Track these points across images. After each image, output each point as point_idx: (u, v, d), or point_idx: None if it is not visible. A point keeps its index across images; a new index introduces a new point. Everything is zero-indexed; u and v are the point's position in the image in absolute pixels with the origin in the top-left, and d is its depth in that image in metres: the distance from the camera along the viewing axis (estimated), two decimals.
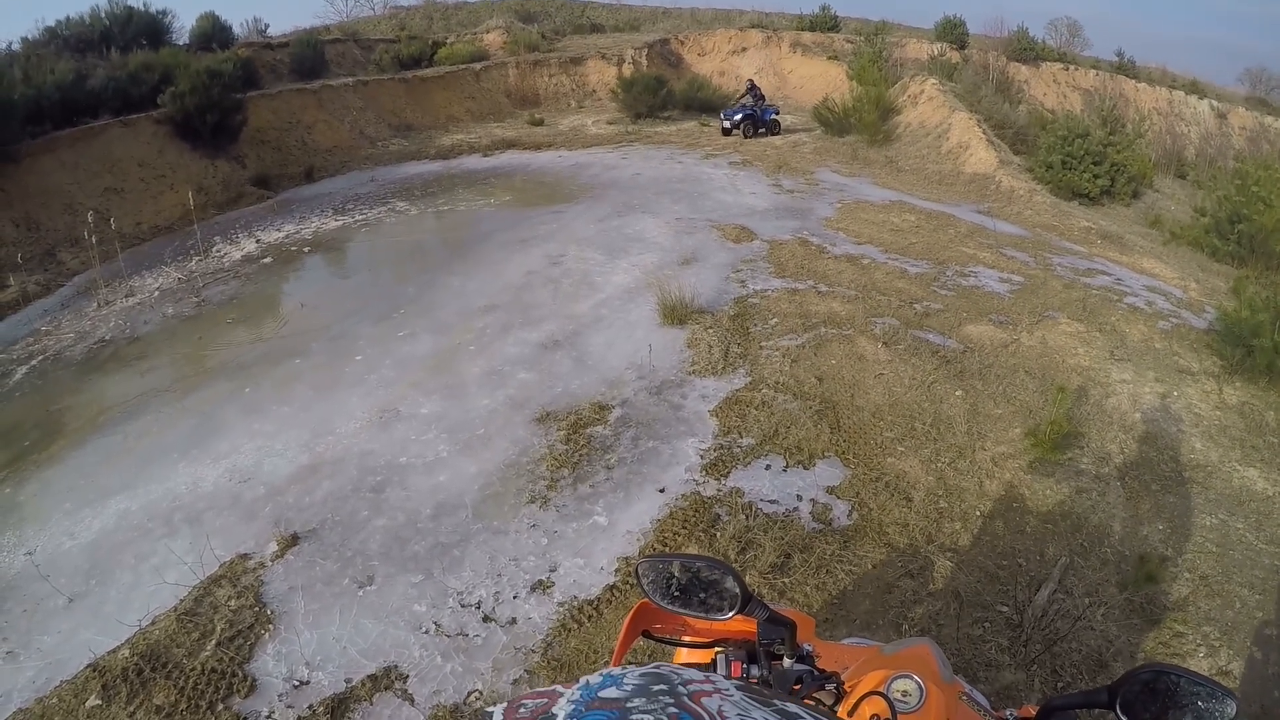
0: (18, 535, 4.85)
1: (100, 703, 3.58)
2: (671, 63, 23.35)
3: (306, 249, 10.15)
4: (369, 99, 17.61)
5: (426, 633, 3.87)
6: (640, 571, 1.52)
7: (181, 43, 16.58)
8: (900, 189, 12.82)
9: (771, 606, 1.47)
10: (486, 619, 3.94)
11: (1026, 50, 23.92)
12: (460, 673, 3.64)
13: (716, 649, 1.57)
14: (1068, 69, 24.33)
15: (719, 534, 4.39)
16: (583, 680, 0.75)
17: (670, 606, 1.49)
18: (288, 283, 9.12)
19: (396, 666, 3.69)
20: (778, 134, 17.37)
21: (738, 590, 1.41)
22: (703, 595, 1.46)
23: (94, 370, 7.02)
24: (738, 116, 16.87)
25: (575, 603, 4.00)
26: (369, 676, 3.64)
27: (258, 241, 10.49)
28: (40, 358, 7.39)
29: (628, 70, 21.36)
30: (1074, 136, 13.51)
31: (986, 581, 4.13)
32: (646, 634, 1.69)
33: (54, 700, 3.65)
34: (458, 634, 3.86)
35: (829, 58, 22.61)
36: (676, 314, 6.98)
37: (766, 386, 5.90)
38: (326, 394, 6.17)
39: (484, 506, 4.78)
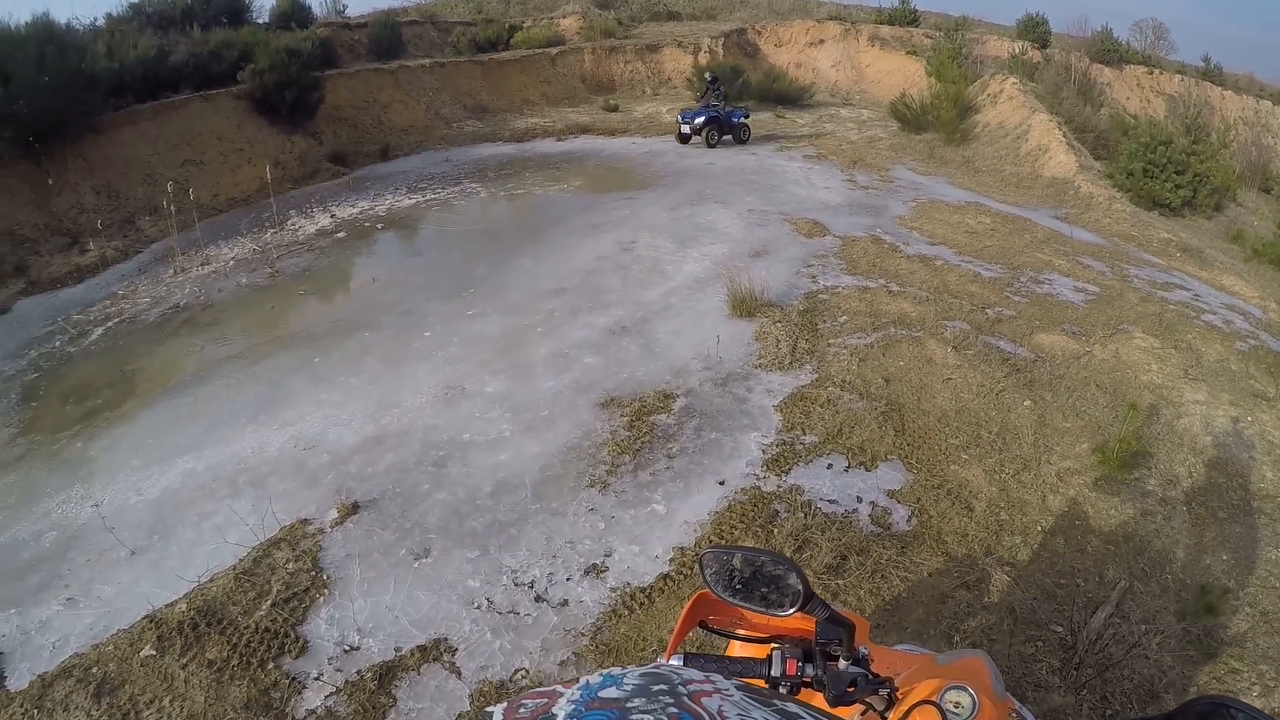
0: (86, 488, 5.13)
1: (154, 653, 3.76)
2: (748, 53, 23.22)
3: (380, 225, 10.44)
4: (445, 80, 17.97)
5: (478, 608, 3.96)
6: (704, 562, 1.57)
7: (261, 21, 17.17)
8: (976, 190, 12.64)
9: (832, 607, 1.49)
10: (539, 599, 4.01)
11: (1110, 51, 23.19)
12: (509, 650, 3.72)
13: (772, 645, 1.57)
14: (1152, 73, 23.56)
15: (776, 531, 4.40)
16: (583, 680, 0.76)
17: (731, 599, 1.54)
18: (360, 257, 9.41)
19: (446, 639, 3.79)
20: (746, 140, 15.22)
21: (800, 587, 1.46)
22: (764, 590, 1.51)
23: (167, 334, 7.36)
24: (700, 119, 14.54)
25: (628, 589, 4.05)
26: (418, 647, 3.75)
27: (332, 216, 10.84)
28: (116, 320, 7.79)
29: (704, 59, 21.34)
30: (1156, 144, 13.05)
31: (1043, 599, 4.06)
32: (703, 625, 1.71)
33: (110, 648, 3.84)
34: (509, 611, 3.94)
35: (907, 52, 22.18)
36: (746, 306, 6.99)
37: (833, 384, 5.88)
38: (394, 368, 6.34)
39: (543, 487, 4.86)
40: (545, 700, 0.72)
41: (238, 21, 16.03)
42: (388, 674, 3.62)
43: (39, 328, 7.78)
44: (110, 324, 7.68)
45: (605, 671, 0.78)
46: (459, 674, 3.61)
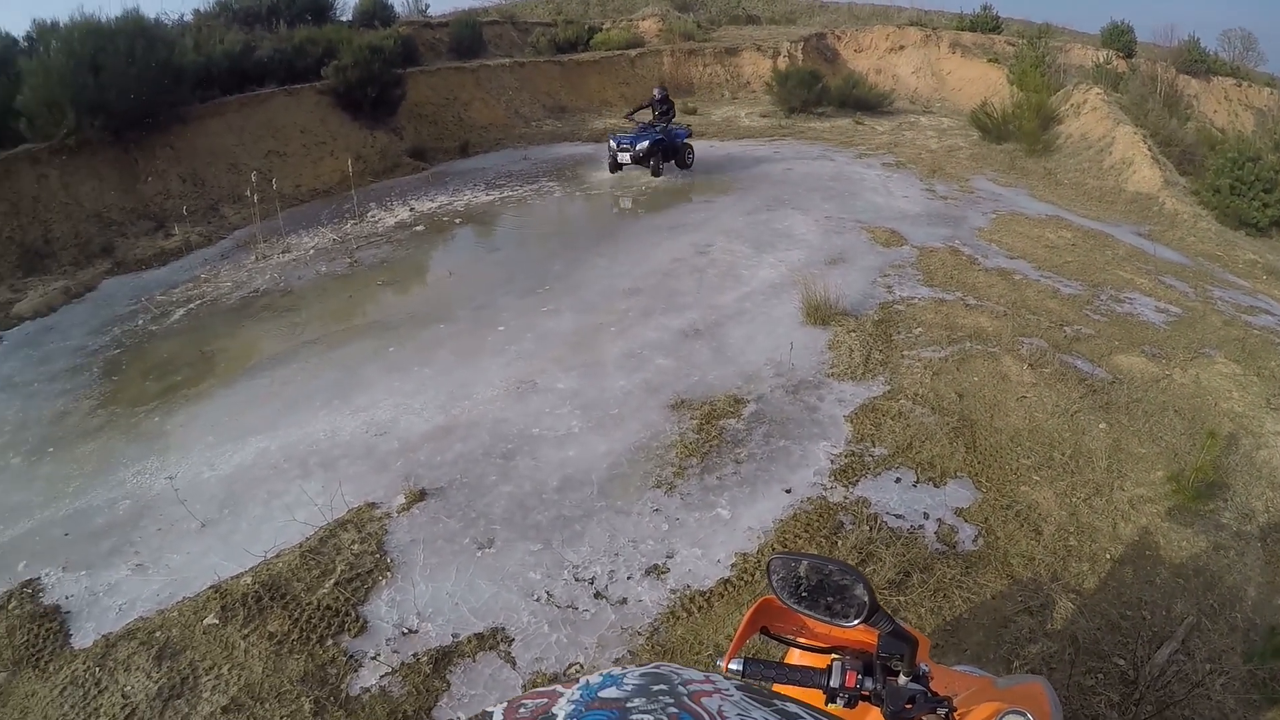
0: (161, 461, 5.36)
1: (217, 622, 3.91)
2: (827, 58, 23.11)
3: (458, 220, 10.68)
4: (525, 80, 18.37)
5: (538, 600, 4.01)
6: (772, 567, 1.58)
7: (345, 19, 17.84)
8: (1058, 203, 12.36)
9: (896, 621, 1.50)
10: (598, 595, 4.03)
11: (1197, 62, 22.22)
12: (565, 644, 3.76)
13: (832, 656, 1.59)
14: (1240, 85, 22.55)
15: (841, 542, 4.37)
16: (582, 680, 0.77)
17: (796, 606, 1.55)
18: (438, 251, 9.65)
19: (504, 629, 3.84)
20: (689, 165, 13.17)
21: (866, 599, 1.46)
22: (830, 599, 1.51)
23: (247, 318, 7.66)
24: (643, 144, 12.25)
25: (688, 592, 4.05)
26: (476, 635, 3.81)
27: (411, 210, 11.16)
28: (198, 302, 8.14)
29: (783, 63, 21.31)
30: (1244, 160, 12.44)
31: (1107, 630, 3.95)
32: (764, 631, 1.72)
33: (174, 614, 4.02)
34: (568, 606, 3.97)
35: (989, 60, 21.72)
36: (820, 314, 6.95)
37: (905, 397, 5.81)
38: (467, 360, 6.48)
39: (610, 485, 4.89)
40: (545, 700, 0.74)
41: (322, 19, 16.69)
42: (443, 659, 3.69)
43: (123, 306, 8.17)
44: (192, 306, 8.02)
45: (605, 671, 0.80)
46: (514, 664, 3.65)
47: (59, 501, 5.17)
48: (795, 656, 1.77)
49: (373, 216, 10.84)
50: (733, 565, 4.20)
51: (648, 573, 4.17)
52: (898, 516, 4.58)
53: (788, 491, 4.80)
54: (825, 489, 4.81)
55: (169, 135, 11.39)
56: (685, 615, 3.89)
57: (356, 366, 6.48)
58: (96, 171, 10.44)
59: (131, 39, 10.82)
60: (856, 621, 1.46)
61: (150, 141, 11.17)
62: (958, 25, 25.02)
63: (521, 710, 0.72)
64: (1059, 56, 20.95)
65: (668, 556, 4.28)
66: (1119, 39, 22.86)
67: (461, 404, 5.80)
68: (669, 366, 6.28)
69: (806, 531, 4.43)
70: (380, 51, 14.28)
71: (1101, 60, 20.11)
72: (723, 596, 4.00)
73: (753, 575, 4.10)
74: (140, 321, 7.68)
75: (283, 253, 9.41)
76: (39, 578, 4.46)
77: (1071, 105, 16.26)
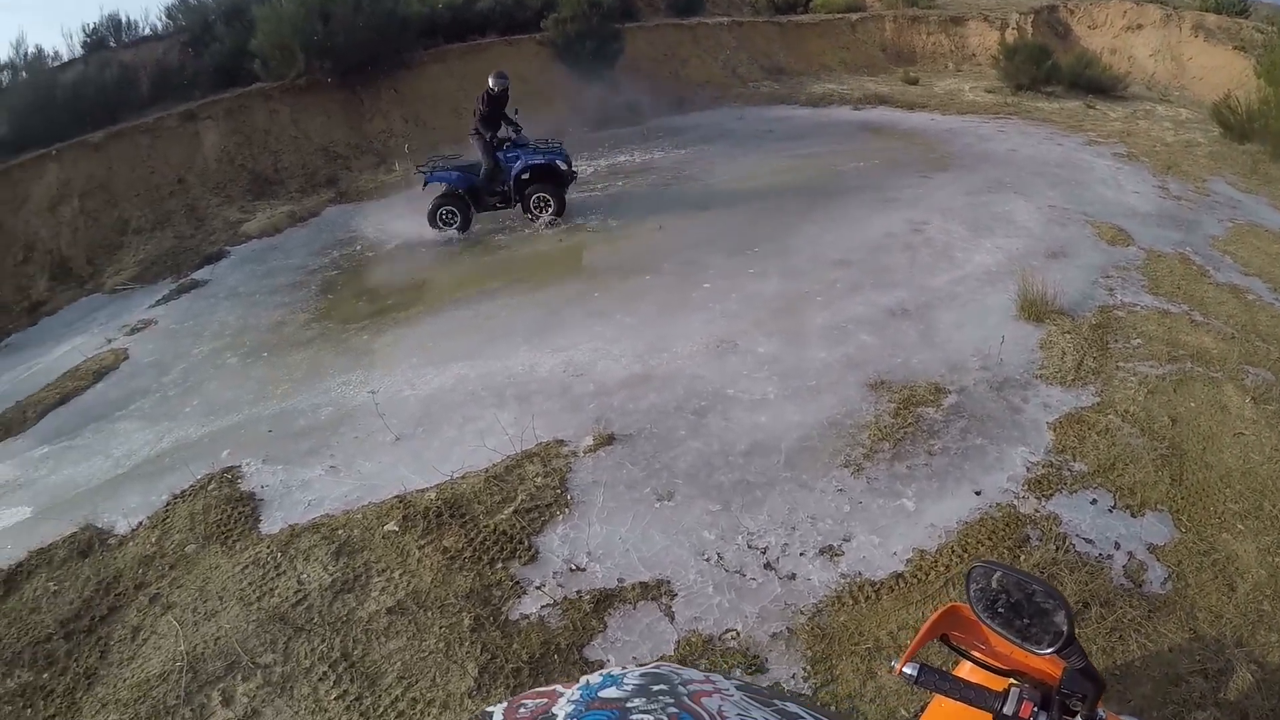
0: (365, 376, 5.88)
1: (396, 529, 4.22)
2: (1058, 33, 21.38)
3: (669, 176, 10.86)
4: (742, 39, 18.34)
5: (708, 560, 4.01)
6: (973, 574, 1.56)
7: None
8: None
9: (1088, 658, 1.47)
10: (768, 566, 3.98)
11: None
12: (725, 608, 3.74)
13: (1010, 680, 1.55)
14: None
15: (1024, 557, 4.09)
16: (583, 680, 0.80)
17: (989, 620, 1.53)
18: (648, 204, 9.82)
19: (669, 583, 3.88)
20: (560, 212, 9.20)
21: (1065, 629, 1.42)
22: (1026, 621, 1.48)
23: (460, 253, 8.22)
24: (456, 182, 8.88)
25: (858, 579, 3.93)
26: (640, 583, 3.88)
27: (624, 161, 11.50)
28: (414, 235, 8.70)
29: (1010, 36, 19.99)
30: None
31: None
32: (943, 638, 1.70)
33: (358, 516, 4.39)
34: (736, 571, 3.95)
35: (1235, 47, 19.12)
36: (1035, 309, 6.49)
37: (1114, 412, 5.30)
38: (669, 314, 6.58)
39: (797, 457, 4.79)
40: (545, 700, 0.76)
41: None
42: (605, 601, 3.78)
43: (343, 232, 8.90)
44: (407, 237, 8.60)
45: (605, 671, 0.82)
46: (672, 618, 3.69)
47: (267, 401, 5.79)
48: (966, 669, 1.71)
49: (586, 166, 11.20)
50: (908, 560, 4.03)
51: (821, 552, 4.08)
52: (1087, 541, 4.24)
53: (978, 493, 4.55)
54: (1017, 498, 4.52)
55: (393, 79, 12.42)
56: (851, 602, 3.79)
57: (560, 308, 6.77)
58: (324, 109, 11.51)
59: None
60: (1049, 650, 1.43)
61: (375, 84, 12.22)
62: (1201, 5, 22.48)
63: (521, 710, 0.75)
64: None
65: (844, 539, 4.17)
66: None
67: (660, 355, 5.89)
68: (872, 344, 6.09)
69: (990, 539, 4.18)
70: (599, 6, 14.77)
71: None
72: (892, 591, 3.85)
73: (927, 575, 3.92)
74: (358, 247, 8.36)
75: None
76: (239, 466, 5.05)
77: None
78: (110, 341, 7.68)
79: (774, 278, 7.20)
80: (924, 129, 13.22)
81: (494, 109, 8.85)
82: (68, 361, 7.36)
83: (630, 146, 12.36)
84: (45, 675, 4.02)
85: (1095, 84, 17.88)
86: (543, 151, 9.01)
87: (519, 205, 9.02)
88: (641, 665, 0.86)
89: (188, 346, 7.02)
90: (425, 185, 8.65)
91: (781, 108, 15.39)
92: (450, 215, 8.75)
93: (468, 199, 8.84)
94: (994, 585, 1.53)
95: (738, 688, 0.82)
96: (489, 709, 0.77)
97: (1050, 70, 17.55)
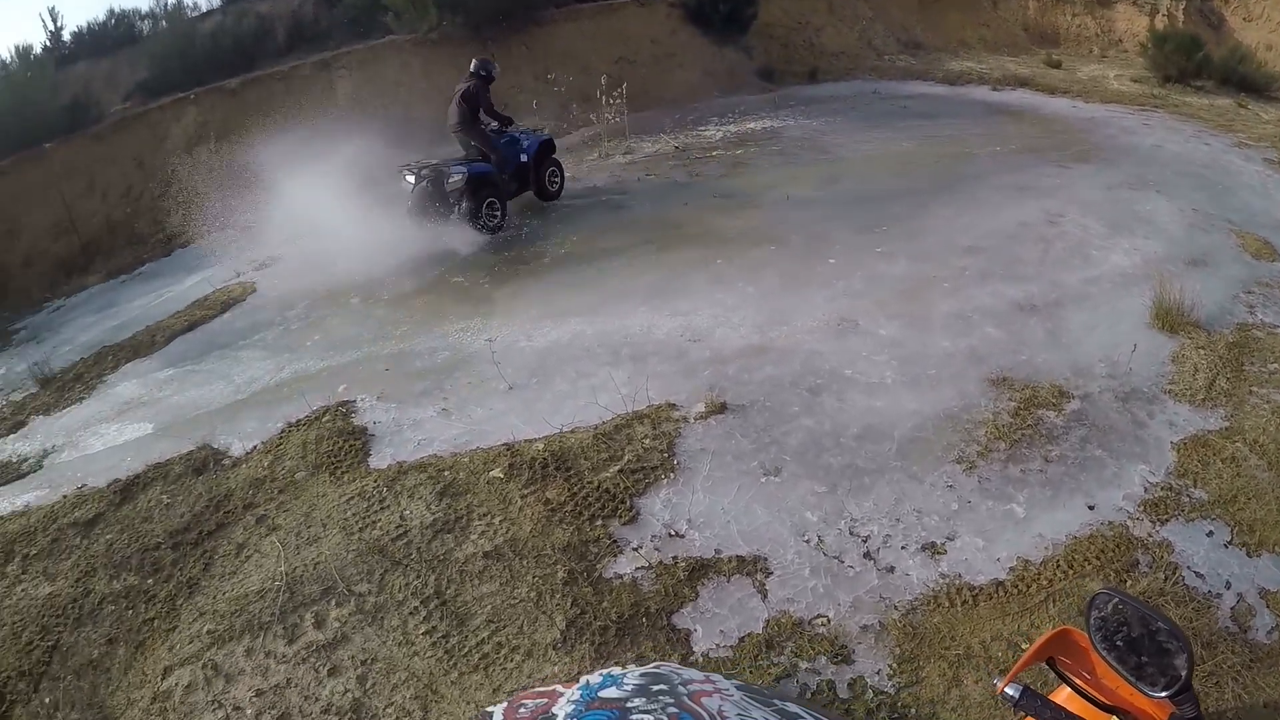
0: (484, 323, 6.06)
1: (501, 476, 4.32)
2: (1211, 23, 19.77)
3: (798, 145, 10.66)
4: (879, 10, 17.88)
5: (808, 542, 3.94)
6: (1096, 601, 1.53)
7: None
8: None
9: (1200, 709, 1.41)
10: (867, 555, 3.90)
11: None
12: (820, 593, 3.68)
13: (1113, 716, 1.52)
14: None
15: (1130, 583, 3.84)
16: (583, 680, 0.80)
17: (1104, 652, 1.49)
18: (776, 173, 9.67)
19: (766, 559, 3.83)
20: (557, 193, 9.05)
21: (1183, 675, 1.38)
22: (1143, 659, 1.44)
23: (583, 209, 8.35)
24: (457, 176, 7.96)
25: (957, 581, 3.78)
26: (737, 556, 3.84)
27: (754, 128, 11.34)
28: None
29: (1160, 23, 18.64)
30: None
31: None
32: (1049, 661, 1.65)
33: (465, 459, 4.52)
34: (835, 556, 3.88)
35: None
36: (1170, 319, 6.05)
37: (1242, 440, 4.90)
38: (792, 286, 6.48)
39: (909, 447, 4.65)
40: (545, 700, 0.77)
41: None
42: (699, 570, 3.77)
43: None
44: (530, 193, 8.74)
45: (605, 671, 0.83)
46: (764, 596, 3.65)
47: (386, 341, 6.04)
48: (1064, 695, 1.64)
49: (714, 131, 11.14)
50: (1011, 569, 3.86)
51: (923, 548, 3.95)
52: (1198, 575, 3.97)
53: (1091, 508, 4.31)
54: (1131, 518, 4.26)
55: (524, 35, 12.62)
56: (948, 604, 3.66)
57: (682, 272, 6.75)
58: (455, 63, 11.68)
59: None
60: (1163, 694, 1.39)
61: (507, 39, 12.43)
62: None
63: (522, 710, 0.76)
64: None
65: (948, 538, 4.02)
66: None
67: (779, 328, 5.81)
68: (997, 338, 5.84)
69: (1098, 558, 3.96)
70: None
71: None
72: (991, 598, 3.70)
73: (1028, 587, 3.75)
74: None
75: (624, 154, 10.06)
76: (354, 401, 5.28)
77: None
78: (239, 275, 8.13)
79: (901, 259, 6.99)
80: (1065, 116, 12.61)
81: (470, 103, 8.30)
82: (197, 291, 7.86)
83: (760, 114, 12.19)
84: (150, 580, 4.31)
85: (1248, 81, 16.58)
86: (529, 131, 8.79)
87: (534, 188, 8.74)
88: (641, 665, 0.86)
89: (313, 284, 7.33)
90: (450, 181, 7.85)
91: (917, 83, 14.93)
92: (494, 211, 8.10)
93: (500, 191, 8.29)
94: (1116, 616, 1.49)
95: (737, 688, 0.82)
96: (489, 709, 0.78)
97: (1201, 63, 16.36)
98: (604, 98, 10.87)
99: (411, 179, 7.91)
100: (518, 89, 12.08)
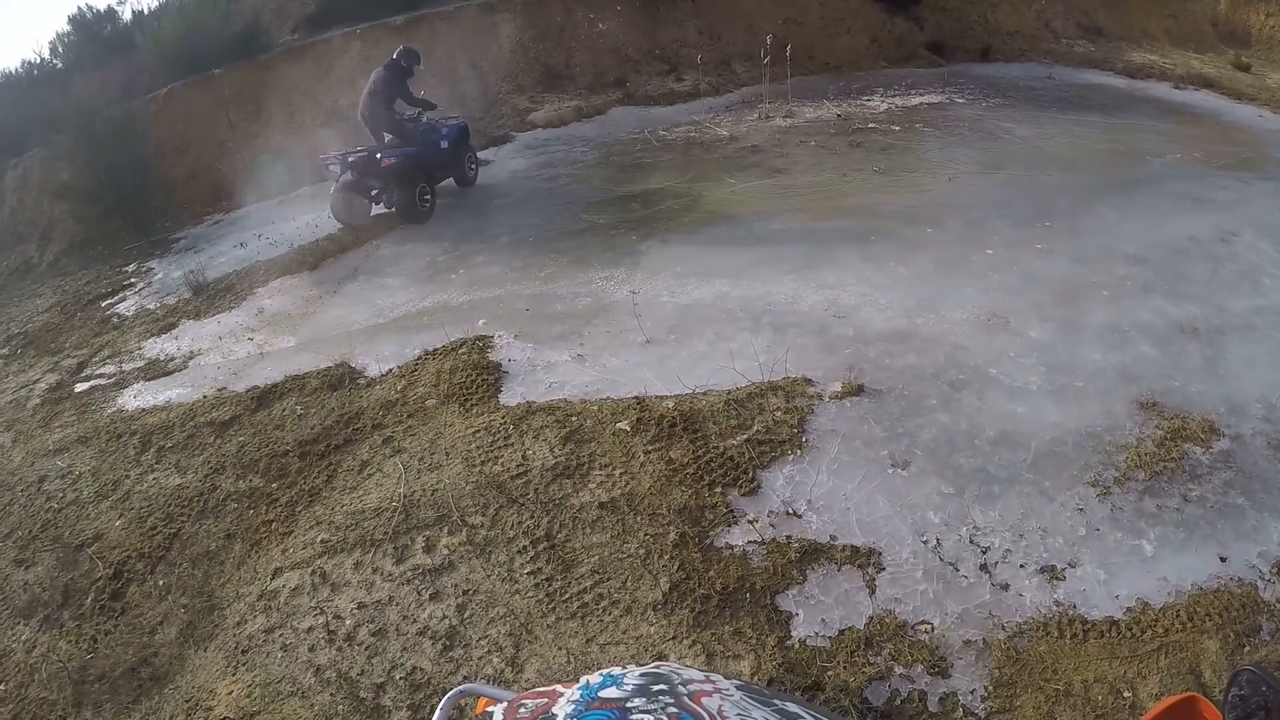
0: (629, 275, 6.05)
1: (627, 429, 4.31)
2: None
3: (965, 126, 10.20)
4: None
5: (926, 543, 3.80)
6: (1239, 678, 1.46)
7: None
8: None
9: None
10: (984, 568, 3.72)
11: None
12: (929, 599, 3.55)
13: None
14: None
15: (1247, 647, 3.53)
16: (583, 680, 0.80)
17: None
18: (941, 152, 9.30)
19: (880, 554, 3.72)
20: (472, 181, 8.86)
21: None
22: None
23: (738, 168, 8.20)
24: (392, 160, 7.70)
25: (1072, 612, 3.56)
26: (852, 546, 3.74)
27: (920, 104, 10.93)
28: (696, 145, 8.83)
29: None
30: None
31: None
32: None
33: (593, 407, 4.53)
34: (950, 563, 3.73)
35: None
36: None
37: None
38: (946, 273, 6.21)
39: (1045, 460, 4.39)
40: (545, 700, 0.78)
41: None
42: (811, 553, 3.69)
43: (625, 133, 9.07)
44: (684, 145, 8.65)
45: (605, 671, 0.83)
46: (872, 591, 3.55)
47: (529, 282, 6.11)
48: None
49: (879, 101, 10.81)
50: (1129, 609, 3.59)
51: (1043, 570, 3.74)
52: None
53: (1223, 559, 3.94)
54: (1262, 578, 3.88)
55: None
56: (1056, 634, 3.46)
57: (833, 245, 6.55)
58: (619, 13, 11.76)
59: None
60: None
61: None
62: None
63: (522, 710, 0.77)
64: None
65: (1069, 564, 3.78)
66: None
67: (927, 315, 5.57)
68: (1152, 358, 5.42)
69: (1220, 614, 3.64)
70: None
71: None
72: (1102, 636, 3.47)
73: (1143, 632, 3.49)
74: (639, 150, 8.48)
75: (785, 117, 9.84)
76: (492, 337, 5.39)
77: None
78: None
79: (1061, 259, 6.59)
80: (1250, 125, 11.58)
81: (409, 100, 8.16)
82: None
83: (928, 89, 11.70)
84: (274, 485, 4.56)
85: None
86: (444, 119, 8.56)
87: (455, 175, 8.58)
88: (641, 665, 0.86)
89: (461, 219, 7.49)
90: (383, 167, 7.59)
91: (1094, 73, 14.04)
92: (424, 198, 7.98)
93: (431, 178, 8.16)
94: (1257, 698, 1.40)
95: (738, 688, 0.82)
96: (489, 709, 0.80)
97: None
98: (767, 58, 10.59)
99: (336, 168, 7.73)
100: (680, 43, 12.01)
